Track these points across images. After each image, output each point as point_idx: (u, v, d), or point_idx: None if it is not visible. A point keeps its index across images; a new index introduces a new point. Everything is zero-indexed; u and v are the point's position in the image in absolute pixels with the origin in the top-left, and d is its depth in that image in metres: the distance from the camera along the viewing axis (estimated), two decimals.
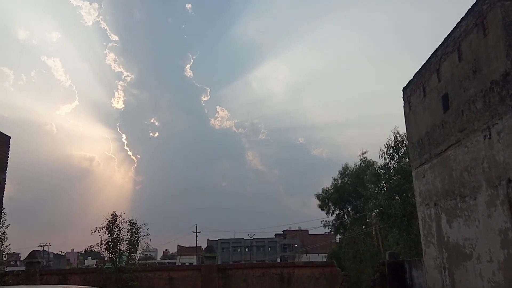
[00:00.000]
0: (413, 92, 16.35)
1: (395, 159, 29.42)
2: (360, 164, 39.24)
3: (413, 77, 16.16)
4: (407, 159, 27.27)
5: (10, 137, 15.36)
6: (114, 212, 21.37)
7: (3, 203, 14.63)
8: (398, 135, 28.64)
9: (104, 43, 72.10)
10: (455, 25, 12.74)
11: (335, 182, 42.39)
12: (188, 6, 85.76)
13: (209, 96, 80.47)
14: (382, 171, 30.66)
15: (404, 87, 17.18)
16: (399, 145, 28.81)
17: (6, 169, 14.73)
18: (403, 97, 17.40)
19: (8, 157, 14.99)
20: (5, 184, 14.58)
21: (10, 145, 15.16)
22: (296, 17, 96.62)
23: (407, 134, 18.15)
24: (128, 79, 71.19)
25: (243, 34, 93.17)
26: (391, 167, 29.53)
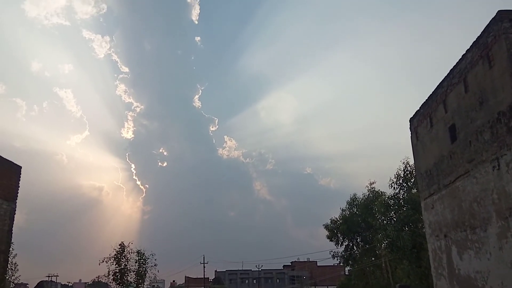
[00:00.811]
0: (420, 122, 16.41)
1: (405, 189, 29.24)
2: (369, 194, 38.93)
3: (420, 108, 16.25)
4: (416, 190, 27.10)
5: (21, 167, 15.57)
6: (122, 242, 21.35)
7: (12, 233, 14.70)
8: (408, 165, 28.55)
9: (115, 75, 74.17)
10: (461, 57, 12.89)
11: (344, 212, 41.99)
12: (197, 38, 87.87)
13: (217, 126, 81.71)
14: (392, 201, 30.41)
15: (411, 118, 17.26)
16: (409, 175, 28.68)
17: (16, 199, 14.86)
18: (410, 128, 17.45)
19: (19, 187, 15.15)
20: (14, 213, 14.69)
21: (21, 175, 15.34)
22: (303, 49, 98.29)
23: (415, 164, 18.11)
24: (138, 109, 72.75)
25: (251, 65, 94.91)
26: (401, 197, 29.31)
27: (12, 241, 15.13)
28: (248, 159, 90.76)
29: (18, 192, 15.12)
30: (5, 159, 15.13)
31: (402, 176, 29.20)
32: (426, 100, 15.56)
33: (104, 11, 74.38)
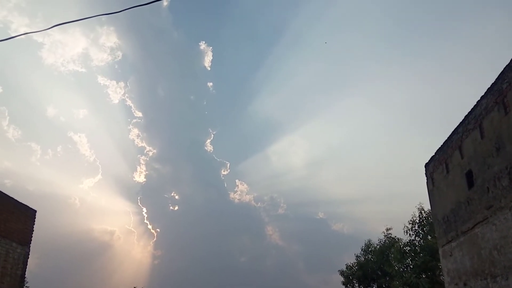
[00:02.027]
0: (435, 168, 16.30)
1: (420, 236, 28.67)
2: (385, 241, 38.18)
3: (435, 153, 16.19)
4: (432, 236, 26.55)
5: (36, 211, 15.68)
6: (134, 287, 21.05)
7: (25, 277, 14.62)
8: (422, 211, 28.15)
9: (129, 119, 75.40)
10: (475, 103, 12.95)
11: (359, 259, 41.13)
12: (210, 84, 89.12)
13: (228, 170, 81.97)
14: (408, 248, 29.75)
15: (426, 164, 17.16)
16: (424, 221, 28.21)
17: (30, 243, 14.88)
18: (425, 173, 17.32)
19: (33, 231, 15.20)
20: (28, 258, 14.66)
21: (35, 219, 15.42)
22: (314, 93, 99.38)
23: (431, 210, 17.84)
24: (150, 153, 73.42)
25: (262, 109, 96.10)
26: (417, 244, 28.69)
27: (27, 285, 15.03)
28: (259, 203, 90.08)
29: (32, 236, 15.16)
30: (21, 203, 15.27)
31: (418, 222, 28.73)
32: (442, 145, 15.52)
33: (119, 58, 76.29)
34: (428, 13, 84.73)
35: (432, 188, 16.82)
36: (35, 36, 63.55)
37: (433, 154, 16.35)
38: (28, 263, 15.06)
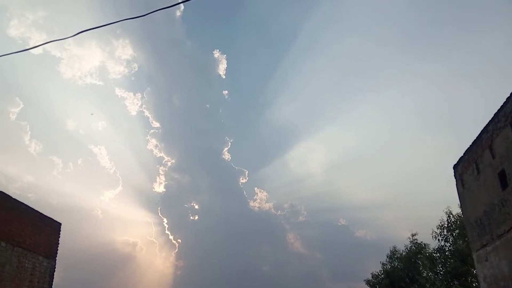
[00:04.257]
0: (465, 169, 15.77)
1: (450, 240, 27.87)
2: (411, 247, 37.28)
3: (464, 154, 15.67)
4: (462, 241, 25.77)
5: (61, 224, 15.69)
6: None
7: None
8: (451, 215, 27.36)
9: (146, 130, 76.41)
10: (505, 100, 12.48)
11: (384, 266, 40.21)
12: (225, 92, 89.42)
13: (247, 178, 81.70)
14: (437, 254, 28.94)
15: (454, 165, 16.64)
16: (453, 225, 27.40)
17: (56, 256, 14.87)
18: (454, 175, 16.78)
19: (58, 244, 15.20)
20: (54, 271, 14.64)
21: (60, 232, 15.43)
22: (331, 98, 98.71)
23: (462, 213, 17.25)
24: (169, 163, 74.01)
25: (278, 116, 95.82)
26: (447, 249, 27.88)
27: None
28: (279, 211, 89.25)
29: (57, 249, 15.15)
30: (46, 216, 15.31)
31: (446, 226, 27.92)
32: (470, 145, 15.01)
33: (136, 70, 77.32)
34: (440, 17, 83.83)
35: (463, 190, 16.27)
36: (53, 52, 64.74)
37: (462, 154, 15.83)
38: (54, 276, 15.04)
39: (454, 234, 27.61)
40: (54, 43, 62.99)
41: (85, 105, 78.43)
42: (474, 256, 15.85)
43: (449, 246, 27.92)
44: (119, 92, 76.98)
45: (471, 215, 15.84)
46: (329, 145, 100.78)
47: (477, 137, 14.54)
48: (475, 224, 15.41)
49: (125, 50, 77.16)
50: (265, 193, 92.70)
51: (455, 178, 16.73)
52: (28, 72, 66.46)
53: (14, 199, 14.18)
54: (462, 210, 17.14)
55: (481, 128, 14.17)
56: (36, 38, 59.97)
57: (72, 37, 7.08)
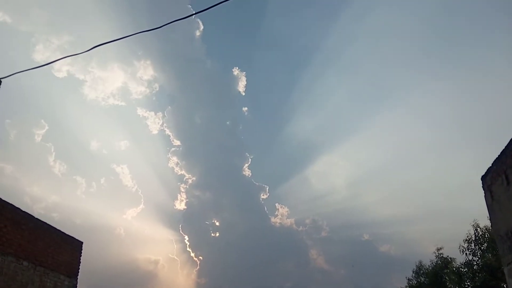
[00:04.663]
0: (494, 180, 15.25)
1: (478, 254, 27.05)
2: (437, 261, 36.33)
3: (492, 164, 15.18)
4: (491, 255, 25.00)
5: (82, 242, 15.65)
6: None
7: None
8: (478, 228, 26.63)
9: (167, 148, 77.02)
10: None
11: (410, 281, 39.24)
12: (245, 109, 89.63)
13: (268, 194, 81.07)
14: (465, 269, 28.11)
15: (482, 176, 16.13)
16: (481, 239, 26.64)
17: (78, 275, 14.79)
18: (482, 187, 16.25)
19: (80, 262, 15.14)
20: None
21: (82, 251, 15.38)
22: (351, 111, 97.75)
23: (492, 226, 16.68)
24: (190, 181, 74.22)
25: (299, 131, 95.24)
26: (475, 263, 27.06)
27: None
28: (301, 226, 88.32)
29: (79, 268, 15.09)
30: (67, 235, 15.31)
31: (474, 240, 27.15)
32: (499, 155, 14.53)
33: (157, 89, 78.44)
34: (471, 23, 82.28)
35: (492, 202, 15.72)
36: (77, 74, 66.06)
37: (490, 165, 15.33)
38: None
39: (482, 247, 26.84)
40: (78, 67, 64.54)
41: (108, 125, 79.64)
42: (505, 270, 15.22)
43: (477, 260, 27.12)
44: (140, 111, 77.99)
45: (501, 228, 15.26)
46: (351, 160, 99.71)
47: (506, 147, 14.07)
48: (505, 237, 14.83)
49: (146, 71, 78.44)
50: (286, 209, 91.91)
51: (483, 189, 16.20)
52: (53, 94, 68.06)
53: (37, 218, 14.25)
54: (491, 223, 16.57)
55: (510, 138, 13.72)
56: (61, 62, 61.30)
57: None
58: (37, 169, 64.77)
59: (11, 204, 13.30)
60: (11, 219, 13.15)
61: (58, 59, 7.45)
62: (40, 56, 59.43)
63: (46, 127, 61.99)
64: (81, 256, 15.22)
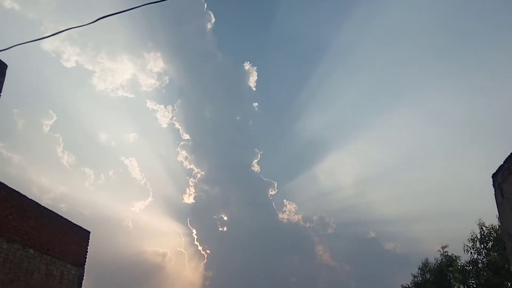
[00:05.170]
0: (505, 178, 15.09)
1: (483, 253, 26.97)
2: (442, 259, 36.26)
3: (504, 162, 15.00)
4: (498, 253, 24.90)
5: (89, 232, 15.63)
6: None
7: None
8: (483, 227, 26.55)
9: (177, 142, 77.02)
10: None
11: (415, 278, 39.21)
12: (255, 104, 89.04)
13: (276, 190, 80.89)
14: (469, 267, 28.02)
15: (493, 174, 15.95)
16: (486, 238, 26.56)
17: (85, 264, 14.77)
18: (493, 184, 16.09)
19: (87, 252, 15.11)
20: (82, 279, 14.54)
21: (89, 240, 15.35)
22: (361, 109, 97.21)
23: (501, 224, 16.54)
24: (199, 175, 74.33)
25: (308, 128, 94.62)
26: (479, 262, 26.98)
27: None
28: (308, 223, 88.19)
29: (86, 258, 15.07)
30: (74, 224, 15.28)
31: (479, 239, 27.08)
32: (511, 153, 14.37)
33: (167, 82, 78.07)
34: (483, 22, 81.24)
35: (502, 200, 15.56)
36: (86, 65, 65.78)
37: (501, 163, 15.16)
38: (84, 284, 14.97)
39: (487, 246, 26.76)
40: (87, 58, 64.12)
41: (117, 117, 79.46)
42: None
43: (482, 258, 27.04)
44: (150, 104, 77.66)
45: (510, 226, 15.12)
46: (359, 158, 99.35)
47: None
48: None
49: (156, 63, 78.05)
50: (294, 205, 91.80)
51: (494, 187, 16.04)
52: (61, 85, 67.88)
53: (43, 207, 14.19)
54: (500, 221, 16.43)
55: None
56: (70, 52, 61.16)
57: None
58: (45, 160, 64.81)
59: (17, 192, 13.21)
60: (17, 207, 13.08)
61: (61, 31, 7.26)
62: (49, 46, 59.34)
63: (55, 118, 61.83)
64: (88, 245, 15.19)
